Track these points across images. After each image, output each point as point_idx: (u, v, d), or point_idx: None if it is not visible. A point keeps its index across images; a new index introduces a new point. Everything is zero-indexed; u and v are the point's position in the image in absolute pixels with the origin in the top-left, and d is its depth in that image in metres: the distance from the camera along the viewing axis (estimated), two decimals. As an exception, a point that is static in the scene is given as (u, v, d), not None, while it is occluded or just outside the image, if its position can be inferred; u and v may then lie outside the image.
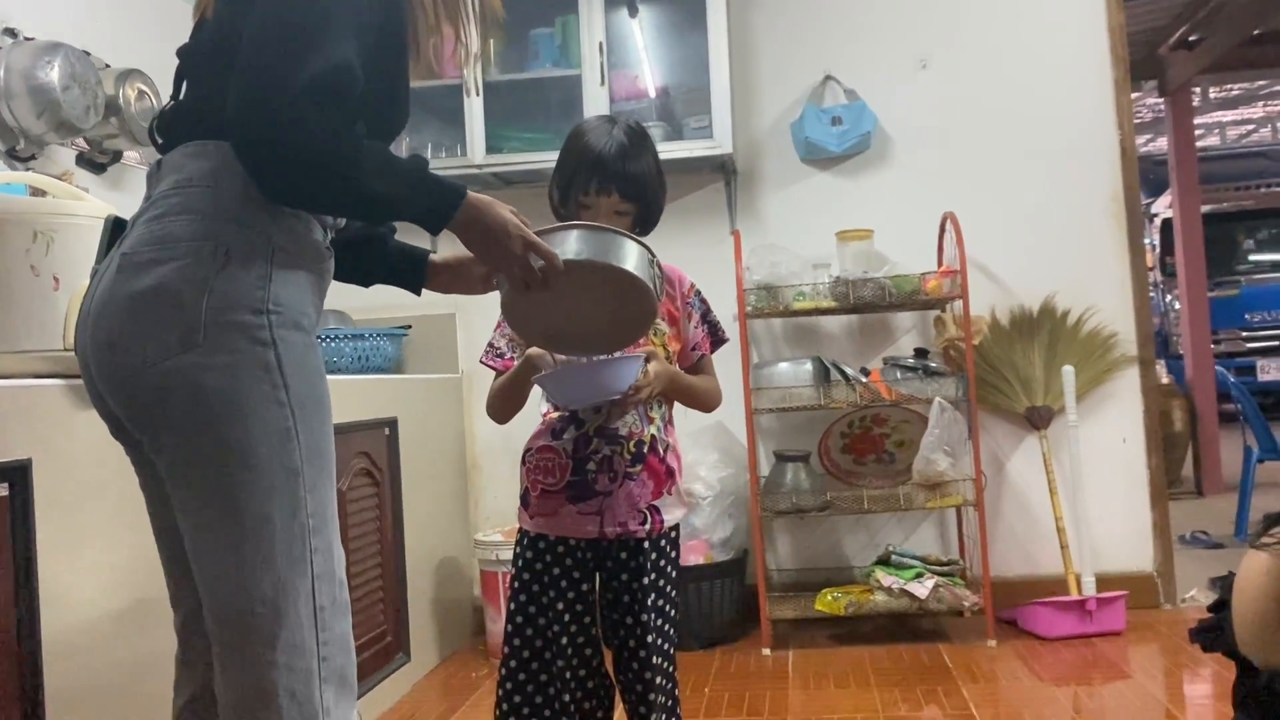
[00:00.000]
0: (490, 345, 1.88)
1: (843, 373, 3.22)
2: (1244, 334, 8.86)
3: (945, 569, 3.16)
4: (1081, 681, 2.77)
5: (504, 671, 1.81)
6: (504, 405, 1.85)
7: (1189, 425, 6.00)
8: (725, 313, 3.18)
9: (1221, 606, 1.23)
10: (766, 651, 3.13)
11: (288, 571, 1.21)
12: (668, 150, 3.21)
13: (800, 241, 3.40)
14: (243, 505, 1.19)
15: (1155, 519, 3.38)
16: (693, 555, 3.16)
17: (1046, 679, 2.79)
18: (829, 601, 3.15)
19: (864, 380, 3.20)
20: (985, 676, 2.82)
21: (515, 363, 1.83)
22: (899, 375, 3.21)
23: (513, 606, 1.82)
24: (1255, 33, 5.91)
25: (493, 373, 1.88)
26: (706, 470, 3.26)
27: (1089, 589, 3.12)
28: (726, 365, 3.02)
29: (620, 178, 1.75)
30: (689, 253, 3.30)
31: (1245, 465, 4.71)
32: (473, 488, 3.63)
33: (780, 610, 3.21)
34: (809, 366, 3.24)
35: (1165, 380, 6.13)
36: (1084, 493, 3.23)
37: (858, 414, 3.33)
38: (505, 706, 1.80)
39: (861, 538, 3.49)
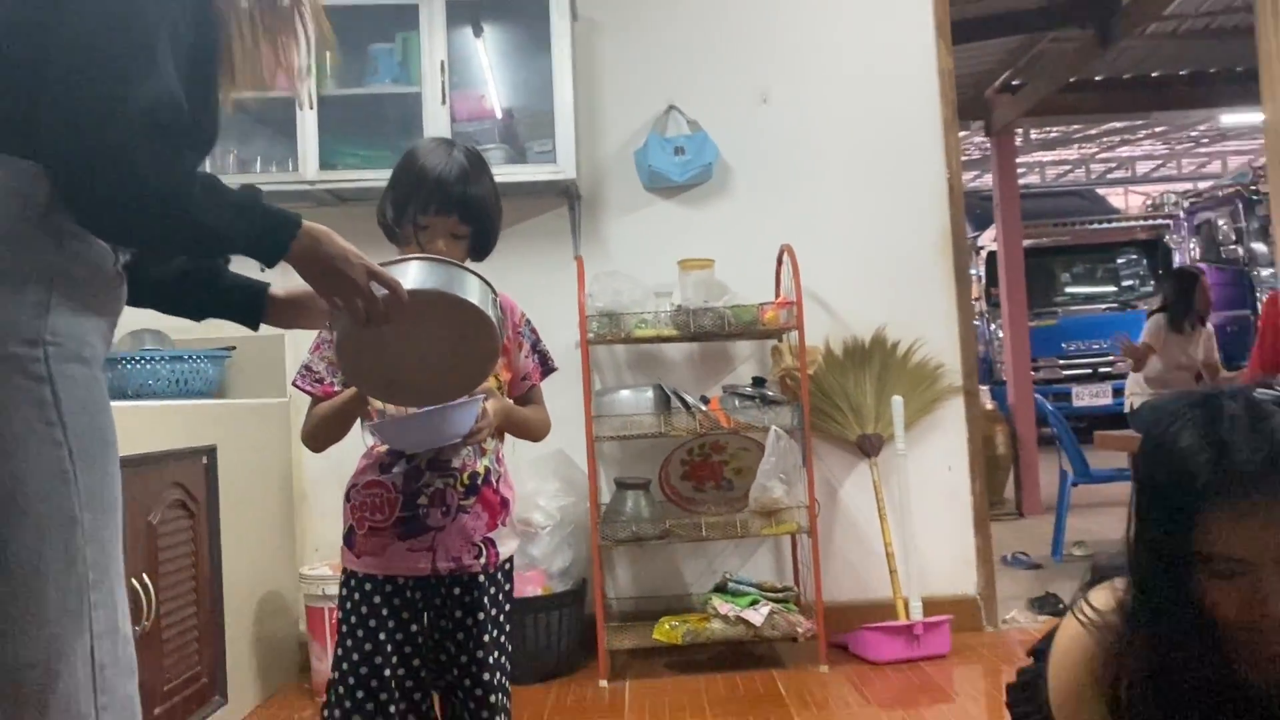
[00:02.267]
0: (307, 368, 1.78)
1: (683, 401, 3.22)
2: (1061, 362, 9.40)
3: (780, 595, 3.20)
4: (909, 705, 2.84)
5: (330, 717, 1.71)
6: (325, 437, 1.77)
7: (1011, 448, 6.31)
8: (568, 338, 3.18)
9: (1041, 656, 1.24)
10: (603, 683, 3.09)
11: (62, 629, 1.10)
12: (511, 173, 3.18)
13: (643, 269, 3.40)
14: (11, 556, 1.08)
15: (979, 544, 3.51)
16: (530, 586, 3.10)
17: (875, 703, 2.84)
18: (667, 630, 3.14)
19: (704, 408, 3.21)
20: (817, 703, 2.86)
21: (335, 389, 1.75)
22: (737, 403, 3.25)
23: (339, 652, 1.73)
24: (1071, 80, 6.30)
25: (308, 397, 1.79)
26: (546, 499, 3.21)
27: (916, 613, 3.21)
28: (568, 392, 3.02)
29: (461, 201, 1.72)
30: (532, 278, 3.29)
31: (1061, 488, 4.97)
32: (300, 519, 3.47)
33: (618, 640, 3.18)
34: (650, 394, 3.24)
35: (989, 406, 6.44)
36: (911, 519, 3.33)
37: (697, 441, 3.35)
38: None
39: (700, 565, 3.50)
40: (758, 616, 3.10)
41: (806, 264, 3.25)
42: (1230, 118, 9.23)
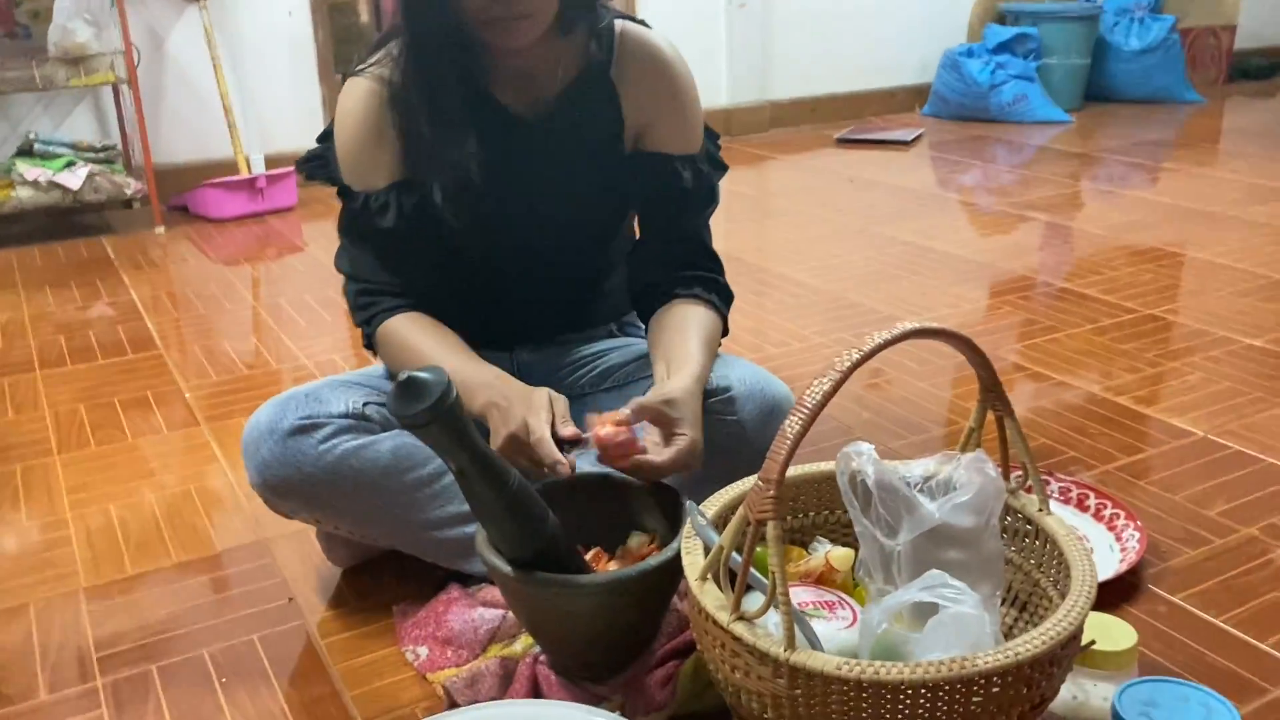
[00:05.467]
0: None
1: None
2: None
3: (102, 156, 2.88)
4: (255, 258, 2.79)
5: None
6: None
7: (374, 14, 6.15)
8: None
9: (328, 137, 1.24)
10: (-118, 266, 2.63)
11: None
12: None
13: None
14: None
15: (324, 94, 3.41)
16: None
17: (218, 259, 2.75)
18: (-40, 202, 2.70)
19: (-30, -72, 2.59)
20: (151, 263, 2.70)
21: None
22: (18, -75, 2.66)
23: None
24: None
25: None
26: None
27: (259, 168, 3.09)
28: None
29: None
30: None
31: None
32: None
33: (-103, 218, 2.68)
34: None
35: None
36: (249, 70, 3.11)
37: (-29, -26, 2.73)
38: None
39: (1, 129, 2.99)
40: (75, 180, 2.77)
41: None
42: None
